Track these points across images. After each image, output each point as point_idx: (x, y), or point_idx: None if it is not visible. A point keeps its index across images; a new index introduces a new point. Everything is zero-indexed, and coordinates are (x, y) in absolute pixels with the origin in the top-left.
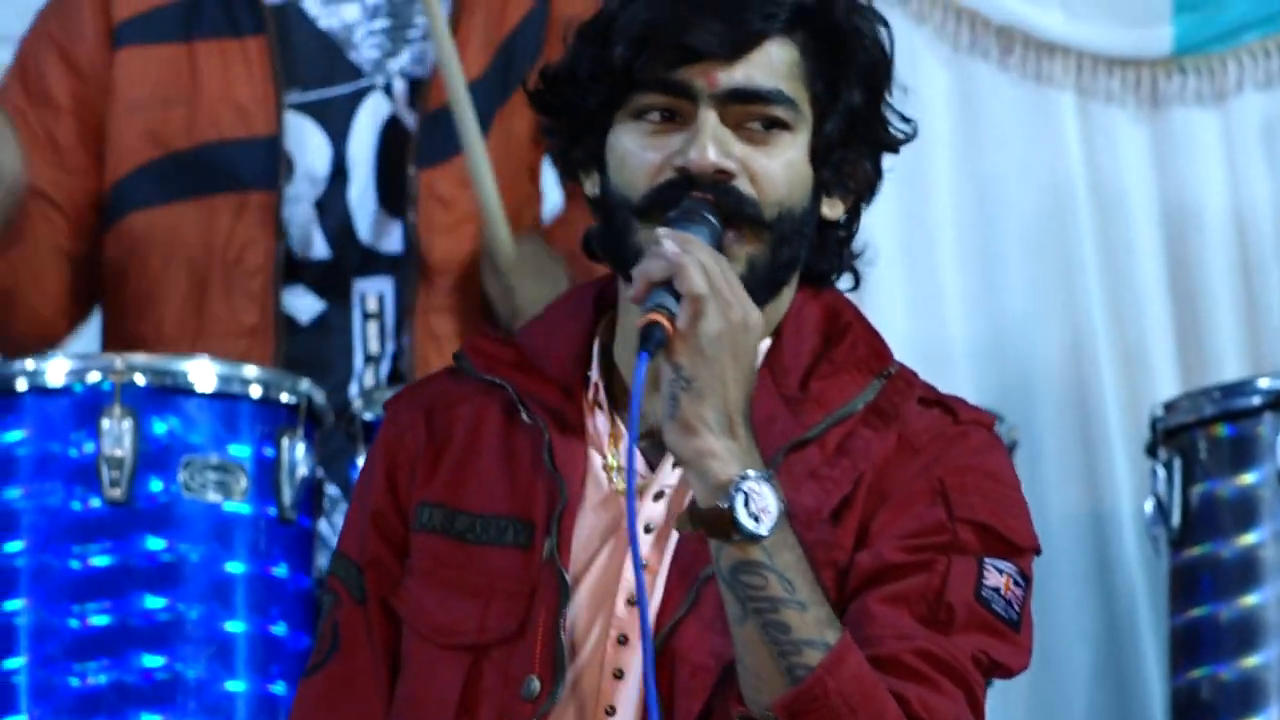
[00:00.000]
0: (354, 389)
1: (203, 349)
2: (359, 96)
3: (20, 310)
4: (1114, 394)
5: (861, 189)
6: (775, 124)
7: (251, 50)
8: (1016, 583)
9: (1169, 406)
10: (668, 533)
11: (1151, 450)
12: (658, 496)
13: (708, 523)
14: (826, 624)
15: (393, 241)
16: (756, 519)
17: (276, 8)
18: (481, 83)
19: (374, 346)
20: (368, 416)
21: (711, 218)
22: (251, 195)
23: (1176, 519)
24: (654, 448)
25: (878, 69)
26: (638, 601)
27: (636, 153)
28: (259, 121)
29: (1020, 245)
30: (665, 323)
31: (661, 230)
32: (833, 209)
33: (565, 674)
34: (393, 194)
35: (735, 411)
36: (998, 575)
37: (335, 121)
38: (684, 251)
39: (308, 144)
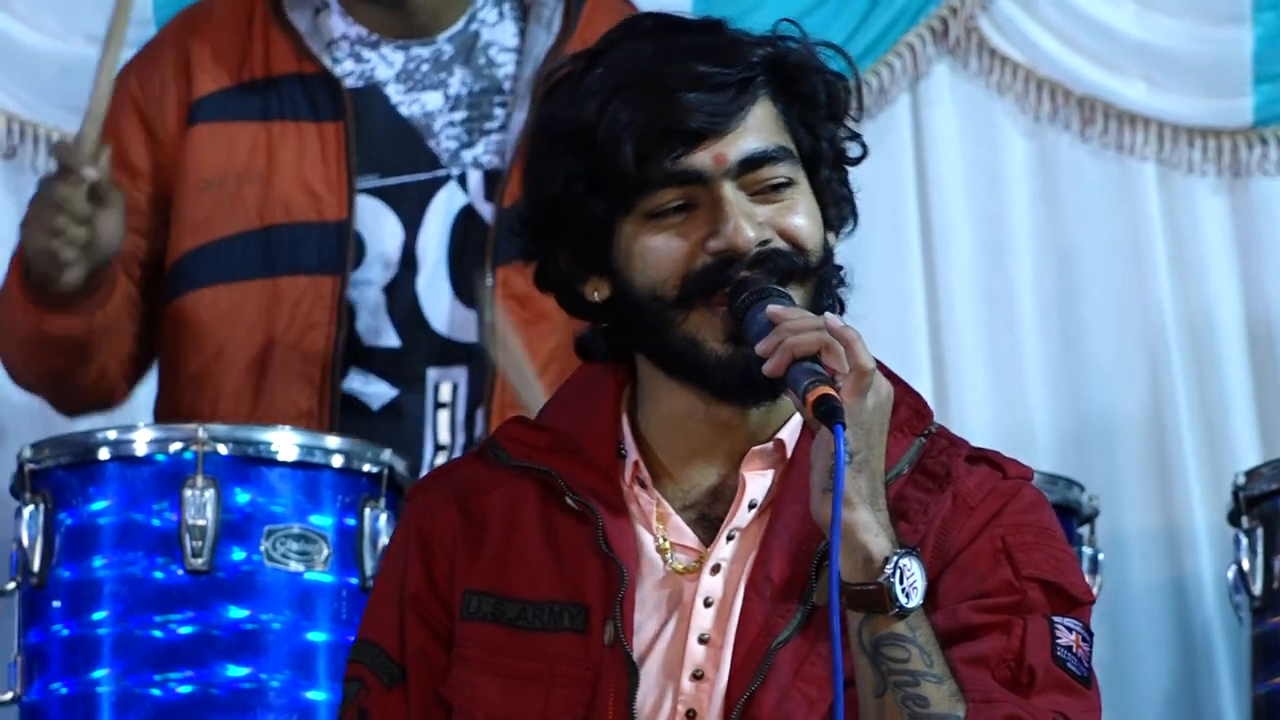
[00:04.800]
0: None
1: None
2: (435, 186)
3: (92, 365)
4: (1195, 462)
5: (847, 213)
6: (782, 180)
7: (328, 134)
8: (1084, 639)
9: (1251, 474)
10: (727, 608)
11: (1233, 518)
12: (714, 570)
13: (858, 596)
14: (957, 698)
15: (468, 332)
16: (908, 595)
17: (357, 91)
18: None
19: (444, 436)
20: None
21: (779, 288)
22: (317, 280)
23: (1259, 587)
24: (702, 523)
25: (841, 97)
26: (829, 603)
27: (660, 247)
28: (329, 206)
29: (1101, 315)
30: (836, 395)
31: (774, 309)
32: (831, 242)
33: None
34: (467, 286)
35: (880, 485)
36: (1068, 634)
37: (409, 208)
38: (846, 326)
39: (381, 228)
